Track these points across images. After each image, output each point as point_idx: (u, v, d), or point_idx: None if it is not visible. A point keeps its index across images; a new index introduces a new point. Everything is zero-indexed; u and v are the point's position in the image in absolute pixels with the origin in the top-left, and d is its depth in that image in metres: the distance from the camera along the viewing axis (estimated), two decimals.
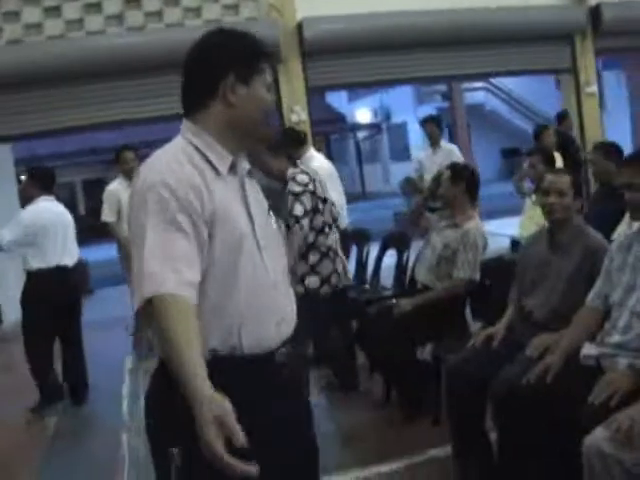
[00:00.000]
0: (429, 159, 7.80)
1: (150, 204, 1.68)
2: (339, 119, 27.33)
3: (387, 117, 28.00)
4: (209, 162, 1.80)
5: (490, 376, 3.15)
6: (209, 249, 1.73)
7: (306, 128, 8.84)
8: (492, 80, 25.04)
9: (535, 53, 9.54)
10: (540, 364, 2.94)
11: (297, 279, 4.18)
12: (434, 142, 7.79)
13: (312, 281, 4.31)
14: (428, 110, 26.38)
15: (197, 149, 1.81)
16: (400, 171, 17.89)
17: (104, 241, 17.72)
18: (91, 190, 23.47)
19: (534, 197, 5.49)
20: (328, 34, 8.52)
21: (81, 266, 6.24)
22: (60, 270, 5.21)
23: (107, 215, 6.17)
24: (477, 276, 4.17)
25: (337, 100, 27.41)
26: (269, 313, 1.82)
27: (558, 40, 9.58)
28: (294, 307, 1.97)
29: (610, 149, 4.98)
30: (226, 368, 1.71)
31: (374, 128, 28.66)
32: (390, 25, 8.59)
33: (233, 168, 1.85)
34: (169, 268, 1.63)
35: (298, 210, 4.13)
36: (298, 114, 8.77)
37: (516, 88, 25.59)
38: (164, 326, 1.59)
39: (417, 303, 4.15)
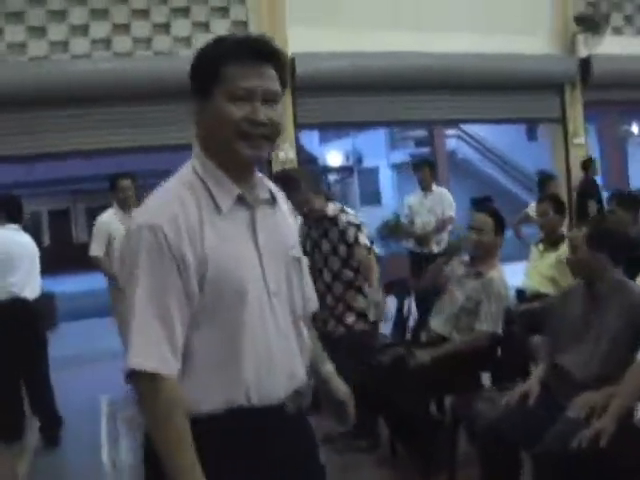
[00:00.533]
0: (420, 203, 7.65)
1: (141, 254, 1.53)
2: (310, 160, 27.19)
3: (359, 161, 28.01)
4: (212, 196, 1.60)
5: (528, 437, 2.90)
6: (203, 300, 1.56)
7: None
8: (464, 127, 25.29)
9: (525, 102, 9.49)
10: (592, 428, 2.69)
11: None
12: (426, 186, 7.63)
13: (373, 314, 4.26)
14: (401, 156, 26.53)
15: (200, 179, 1.62)
16: (370, 215, 17.73)
17: (71, 273, 17.32)
18: (57, 220, 22.95)
19: (541, 246, 5.30)
20: (321, 71, 8.32)
21: (45, 299, 5.86)
22: (19, 303, 4.85)
23: (95, 249, 5.66)
24: (500, 329, 3.92)
25: (308, 141, 27.31)
26: (279, 365, 1.65)
27: (548, 90, 9.55)
28: (306, 355, 1.78)
29: (630, 200, 4.85)
30: (229, 424, 1.58)
31: (346, 171, 28.61)
32: (385, 65, 8.44)
33: (242, 200, 1.64)
34: (167, 343, 1.52)
35: (365, 239, 4.16)
36: (286, 152, 8.53)
37: (488, 137, 25.84)
38: (160, 415, 1.51)
39: (436, 355, 3.87)
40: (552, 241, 5.19)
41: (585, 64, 9.37)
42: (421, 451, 3.95)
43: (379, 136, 25.61)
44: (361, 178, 28.39)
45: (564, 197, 8.44)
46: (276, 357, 1.64)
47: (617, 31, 9.71)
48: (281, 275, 1.69)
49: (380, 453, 4.30)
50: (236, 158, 1.61)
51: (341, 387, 1.94)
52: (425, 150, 25.72)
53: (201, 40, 8.16)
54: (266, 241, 1.65)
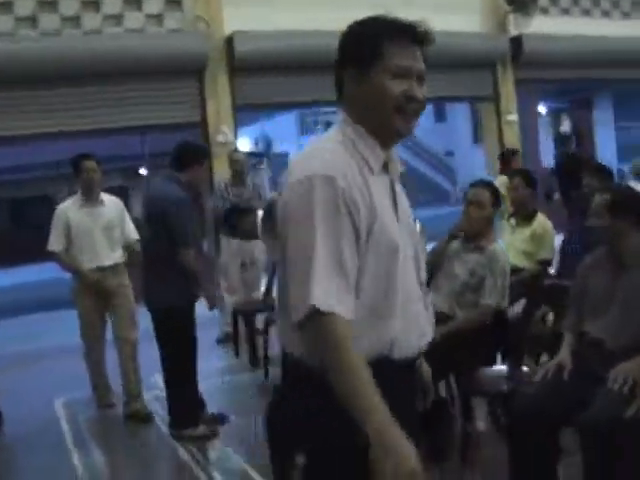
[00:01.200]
0: None
1: (316, 201, 1.56)
2: None
3: (268, 146, 27.75)
4: (364, 157, 1.68)
5: (570, 410, 2.83)
6: (368, 251, 1.62)
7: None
8: None
9: (459, 80, 9.52)
10: None
11: None
12: None
13: None
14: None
15: (352, 141, 1.69)
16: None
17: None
18: None
19: (513, 221, 5.29)
20: (261, 50, 8.08)
21: None
22: None
23: (53, 243, 4.98)
24: (505, 303, 3.83)
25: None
26: (415, 323, 1.74)
27: (480, 68, 9.63)
28: (433, 321, 1.88)
29: (604, 172, 4.89)
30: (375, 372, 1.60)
31: (256, 157, 28.27)
32: (325, 44, 8.24)
33: (385, 167, 1.74)
34: (343, 286, 1.56)
35: None
36: (225, 135, 8.24)
37: None
38: (340, 357, 1.52)
39: (446, 332, 3.74)
40: (524, 215, 5.18)
41: (516, 43, 9.49)
42: (429, 433, 3.83)
43: (289, 121, 25.44)
44: (271, 164, 28.15)
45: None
46: (414, 315, 1.73)
47: (544, 11, 9.90)
48: (410, 242, 1.76)
49: None
50: (389, 130, 1.69)
51: (426, 371, 2.01)
52: None
53: (132, 18, 7.77)
54: (401, 208, 1.75)
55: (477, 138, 28.48)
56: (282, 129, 25.68)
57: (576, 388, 2.96)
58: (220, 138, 8.18)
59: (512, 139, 9.87)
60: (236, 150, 6.96)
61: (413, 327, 1.73)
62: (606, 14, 10.29)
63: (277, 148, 27.64)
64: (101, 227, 5.06)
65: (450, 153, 26.99)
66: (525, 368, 3.75)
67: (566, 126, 20.97)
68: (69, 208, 5.06)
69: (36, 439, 4.79)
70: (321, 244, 1.54)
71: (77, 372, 5.35)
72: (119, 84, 7.68)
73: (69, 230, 4.98)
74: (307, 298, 1.53)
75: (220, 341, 6.78)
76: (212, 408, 4.71)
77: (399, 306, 1.67)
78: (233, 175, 6.53)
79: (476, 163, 23.78)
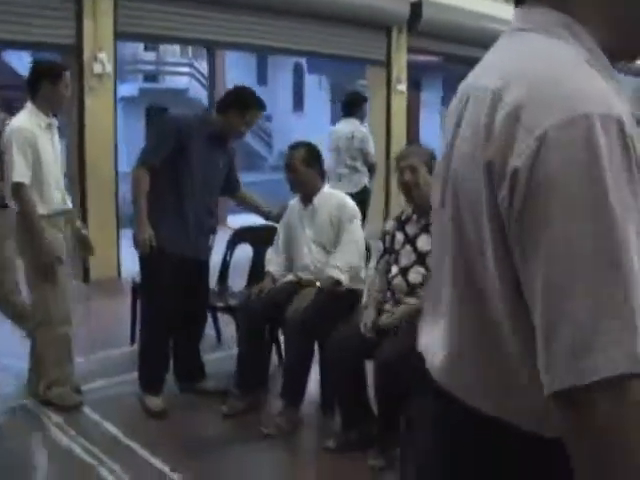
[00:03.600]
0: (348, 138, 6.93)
1: (603, 160, 0.91)
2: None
3: None
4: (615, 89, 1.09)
5: None
6: None
7: (109, 84, 7.03)
8: (197, 66, 24.18)
9: (352, 39, 8.78)
10: None
11: None
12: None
13: None
14: (130, 89, 24.52)
15: (602, 66, 1.05)
16: None
17: None
18: None
19: None
20: None
21: None
22: None
23: (22, 173, 3.58)
24: None
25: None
26: None
27: (376, 30, 8.97)
28: None
29: None
30: None
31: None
32: None
33: None
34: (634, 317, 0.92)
35: None
36: (103, 64, 6.88)
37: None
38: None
39: None
40: None
41: (416, 8, 8.95)
42: None
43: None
44: None
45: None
46: None
47: None
48: None
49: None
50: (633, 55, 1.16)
51: None
52: (154, 85, 24.17)
53: None
54: None
55: (297, 105, 28.25)
56: None
57: None
58: (97, 68, 6.81)
59: (400, 109, 9.38)
60: None
61: None
62: None
63: None
64: (59, 157, 3.94)
65: (268, 118, 26.32)
66: None
67: None
68: (34, 126, 3.66)
69: None
70: (624, 246, 0.91)
71: None
72: None
73: (35, 154, 3.65)
74: (610, 352, 0.89)
75: None
76: None
77: None
78: None
79: (295, 130, 23.40)
